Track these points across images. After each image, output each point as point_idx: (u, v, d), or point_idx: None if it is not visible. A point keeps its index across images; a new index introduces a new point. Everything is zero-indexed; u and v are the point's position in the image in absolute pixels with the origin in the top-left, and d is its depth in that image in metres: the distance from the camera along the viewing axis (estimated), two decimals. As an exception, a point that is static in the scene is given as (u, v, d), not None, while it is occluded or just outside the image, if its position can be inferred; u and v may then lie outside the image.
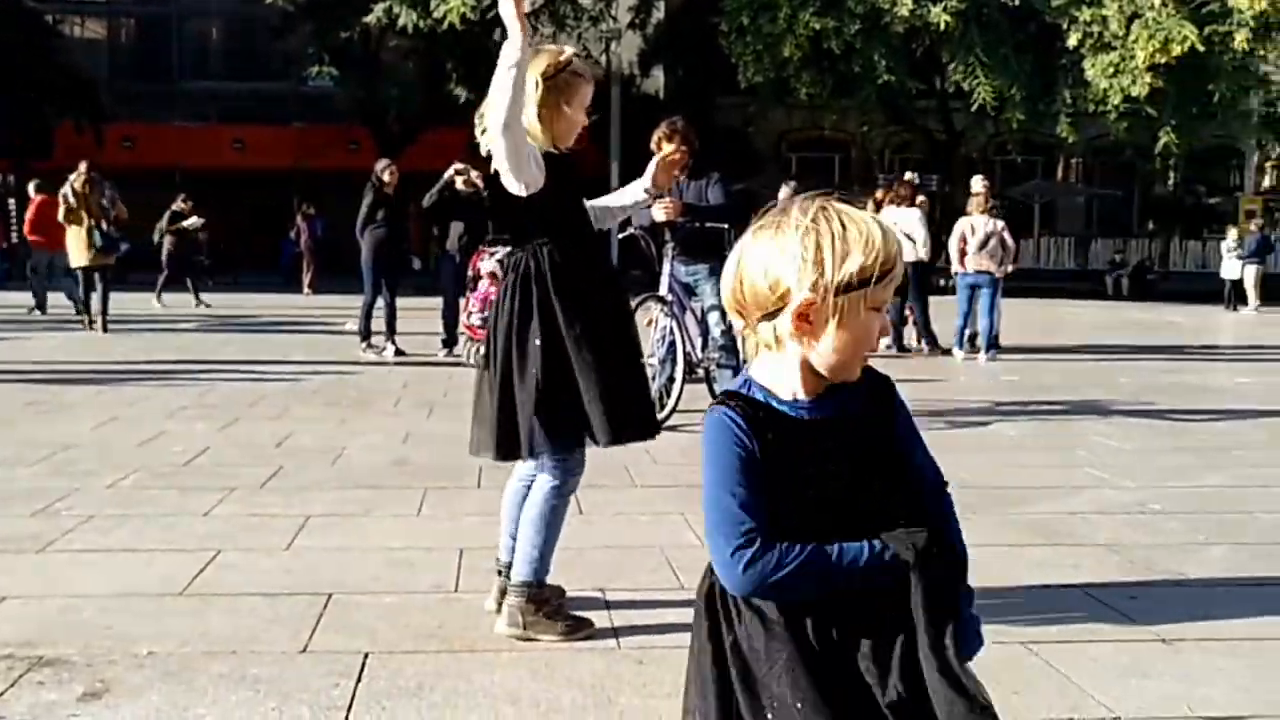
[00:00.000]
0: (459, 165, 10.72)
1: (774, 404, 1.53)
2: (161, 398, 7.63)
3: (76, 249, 13.03)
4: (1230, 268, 21.77)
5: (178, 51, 33.81)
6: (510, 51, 3.00)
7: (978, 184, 11.62)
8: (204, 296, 18.20)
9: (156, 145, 30.73)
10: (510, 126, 3.06)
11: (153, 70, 33.04)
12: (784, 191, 14.46)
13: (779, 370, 1.54)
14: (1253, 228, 22.57)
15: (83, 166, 13.25)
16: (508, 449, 3.19)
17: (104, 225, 13.02)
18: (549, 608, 3.19)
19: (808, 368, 1.52)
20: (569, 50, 3.31)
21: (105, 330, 12.56)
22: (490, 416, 3.22)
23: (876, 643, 1.50)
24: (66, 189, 13.04)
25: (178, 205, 19.18)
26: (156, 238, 19.04)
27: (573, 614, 3.23)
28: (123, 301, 14.64)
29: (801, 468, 1.51)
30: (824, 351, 1.50)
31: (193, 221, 18.89)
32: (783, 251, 1.47)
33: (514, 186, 3.17)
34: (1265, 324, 17.83)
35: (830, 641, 1.50)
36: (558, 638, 3.13)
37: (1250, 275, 21.13)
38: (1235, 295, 21.47)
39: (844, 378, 1.54)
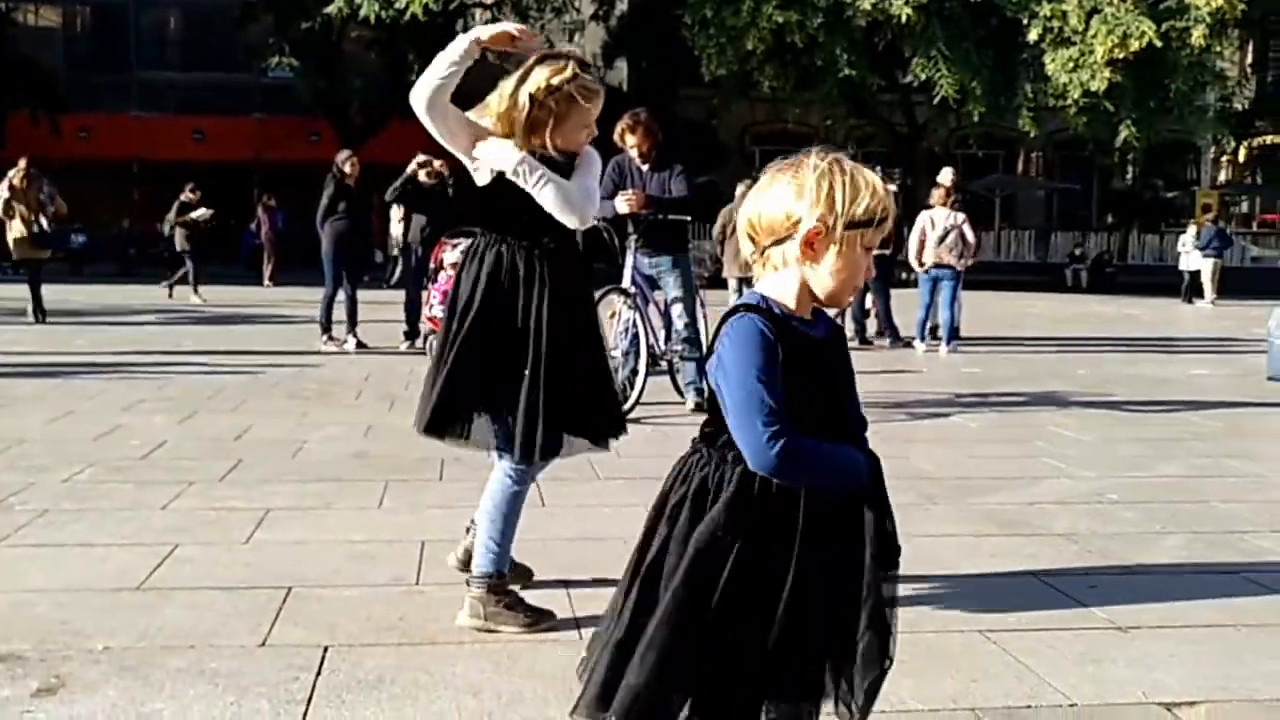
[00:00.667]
0: (422, 157, 10.67)
1: (788, 318, 1.78)
2: (118, 391, 7.54)
3: (13, 243, 12.93)
4: (1188, 261, 22.06)
5: (135, 41, 33.35)
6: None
7: (946, 176, 11.65)
8: (164, 288, 17.94)
9: (114, 136, 30.35)
10: (430, 110, 3.20)
11: (110, 60, 32.58)
12: (740, 189, 14.49)
13: (784, 289, 1.80)
14: (1208, 222, 22.86)
15: (22, 162, 13.12)
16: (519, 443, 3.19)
17: (42, 220, 12.89)
18: (509, 599, 3.18)
19: (806, 290, 1.79)
20: (571, 67, 3.21)
21: (42, 321, 12.44)
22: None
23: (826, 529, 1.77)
24: (3, 184, 12.90)
25: (186, 196, 18.75)
26: (166, 230, 18.58)
27: (533, 606, 3.21)
28: (92, 292, 14.44)
29: (800, 378, 1.75)
30: (823, 276, 1.78)
31: (201, 213, 18.53)
32: (800, 188, 1.76)
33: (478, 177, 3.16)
34: (1221, 316, 18.08)
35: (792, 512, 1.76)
36: (519, 629, 3.12)
37: (1207, 268, 21.42)
38: (1192, 288, 21.76)
39: (836, 304, 1.84)
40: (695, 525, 1.80)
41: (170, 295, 17.36)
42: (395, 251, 17.85)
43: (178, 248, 18.11)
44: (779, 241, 1.78)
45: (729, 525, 1.76)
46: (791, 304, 1.79)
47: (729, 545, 1.75)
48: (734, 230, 13.48)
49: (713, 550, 1.75)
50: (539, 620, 3.16)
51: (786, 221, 1.76)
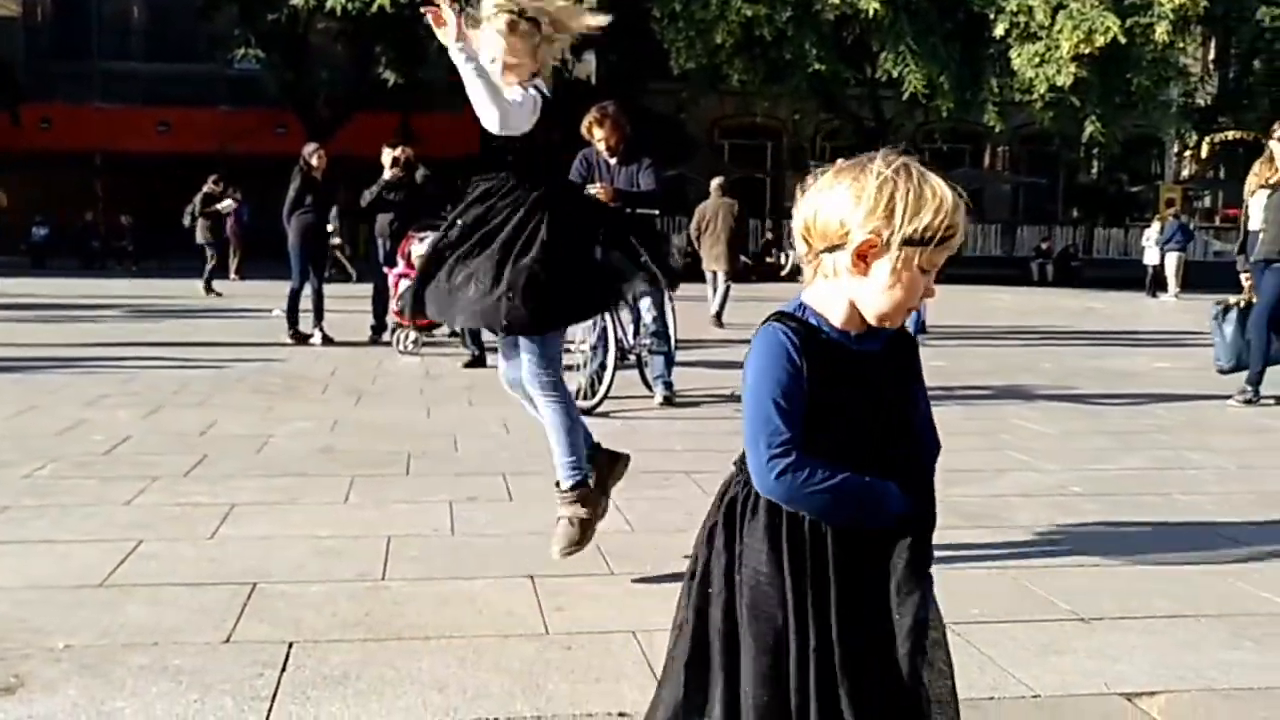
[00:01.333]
0: (389, 153, 10.65)
1: (824, 329, 1.68)
2: (82, 385, 7.46)
3: None
4: (1152, 255, 22.29)
5: (98, 31, 32.93)
6: (456, 59, 3.35)
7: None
8: (128, 283, 17.76)
9: (76, 127, 29.96)
10: (501, 117, 3.40)
11: (72, 50, 32.16)
12: (714, 184, 14.55)
13: (830, 300, 1.68)
14: (1170, 216, 23.09)
15: None
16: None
17: None
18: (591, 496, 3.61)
19: (854, 307, 1.67)
20: None
21: None
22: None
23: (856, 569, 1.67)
24: None
25: (209, 187, 18.51)
26: (188, 221, 18.24)
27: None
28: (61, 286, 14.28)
29: (838, 393, 1.66)
30: (872, 293, 1.64)
31: (226, 204, 18.27)
32: (859, 195, 1.61)
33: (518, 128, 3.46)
34: (1184, 310, 18.29)
35: (821, 544, 1.68)
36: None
37: (1170, 262, 21.64)
38: (1156, 282, 21.98)
39: (885, 324, 1.68)
40: (731, 551, 1.73)
41: (208, 293, 16.86)
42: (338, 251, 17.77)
43: (199, 240, 17.79)
44: (832, 249, 1.64)
45: (769, 562, 1.68)
46: (835, 318, 1.68)
47: (777, 586, 1.67)
48: (709, 226, 13.74)
49: (761, 598, 1.68)
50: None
51: (840, 229, 1.62)
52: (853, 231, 1.61)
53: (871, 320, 1.67)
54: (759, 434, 1.64)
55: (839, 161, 1.69)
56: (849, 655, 1.65)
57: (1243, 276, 7.73)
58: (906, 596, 1.65)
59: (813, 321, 1.68)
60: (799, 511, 1.66)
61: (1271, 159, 7.54)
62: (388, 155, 10.68)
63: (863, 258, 1.62)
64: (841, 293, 1.67)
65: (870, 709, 1.64)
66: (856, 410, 1.68)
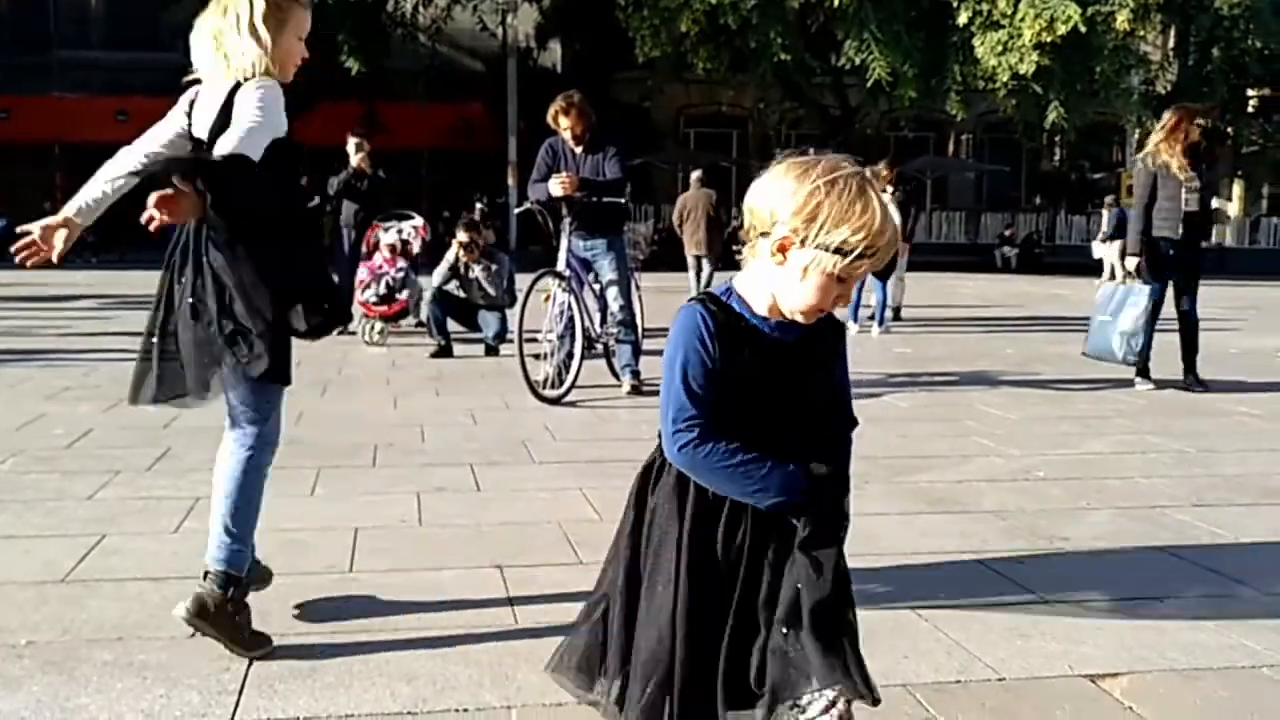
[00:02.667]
0: (354, 141, 10.58)
1: (746, 315, 1.78)
2: (42, 378, 7.37)
3: None
4: (1099, 249, 22.50)
5: (55, 20, 32.45)
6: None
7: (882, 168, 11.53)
8: (88, 274, 17.54)
9: (35, 117, 29.55)
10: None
11: (30, 39, 31.67)
12: (695, 174, 14.94)
13: (756, 287, 1.79)
14: (1108, 205, 23.21)
15: None
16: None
17: None
18: (239, 607, 2.82)
19: (774, 295, 1.78)
20: None
21: None
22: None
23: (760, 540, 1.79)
24: None
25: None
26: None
27: (255, 631, 2.84)
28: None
29: (753, 376, 1.76)
30: (787, 288, 1.75)
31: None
32: (792, 194, 1.70)
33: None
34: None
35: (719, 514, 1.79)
36: (235, 647, 2.77)
37: (1112, 252, 21.85)
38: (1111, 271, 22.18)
39: (798, 319, 1.78)
40: (641, 509, 1.87)
41: None
42: None
43: None
44: (764, 234, 1.75)
45: (669, 514, 1.80)
46: (758, 305, 1.79)
47: (675, 536, 1.79)
48: (690, 215, 14.06)
49: (666, 545, 1.81)
50: (258, 645, 2.80)
51: (770, 220, 1.73)
52: (778, 225, 1.71)
53: (786, 314, 1.78)
54: (668, 407, 1.77)
55: (799, 155, 1.77)
56: (737, 614, 1.77)
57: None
58: (803, 571, 1.76)
59: (735, 306, 1.79)
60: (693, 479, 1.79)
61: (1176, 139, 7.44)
62: (352, 144, 10.62)
63: (782, 250, 1.72)
64: (764, 279, 1.78)
65: (744, 674, 1.77)
66: (768, 392, 1.78)
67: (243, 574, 2.88)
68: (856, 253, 1.68)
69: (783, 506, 1.75)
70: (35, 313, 12.45)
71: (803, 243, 1.69)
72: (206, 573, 2.86)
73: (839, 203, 1.67)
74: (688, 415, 1.74)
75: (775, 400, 1.79)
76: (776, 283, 1.75)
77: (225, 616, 2.78)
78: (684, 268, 13.71)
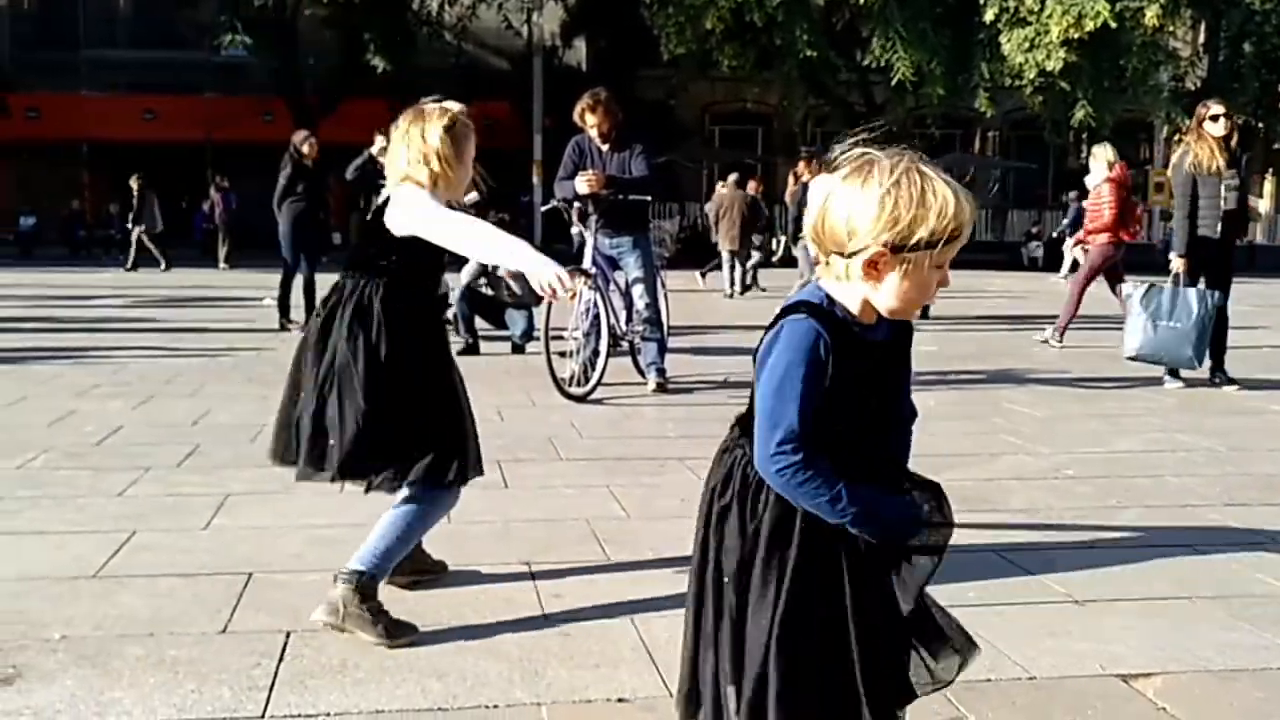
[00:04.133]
0: (382, 139, 10.59)
1: (848, 321, 1.73)
2: (72, 376, 7.43)
3: None
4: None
5: (84, 19, 32.71)
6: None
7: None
8: (116, 273, 17.70)
9: (63, 116, 29.80)
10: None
11: (58, 38, 31.95)
12: (731, 177, 15.55)
13: (845, 293, 1.73)
14: (1070, 199, 22.92)
15: None
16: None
17: None
18: (374, 604, 2.94)
19: (867, 303, 1.72)
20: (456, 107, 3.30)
21: None
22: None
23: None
24: None
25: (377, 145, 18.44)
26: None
27: (396, 619, 2.96)
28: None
29: (854, 383, 1.71)
30: (886, 297, 1.70)
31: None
32: (864, 205, 1.65)
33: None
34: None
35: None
36: (375, 639, 2.88)
37: (1075, 249, 21.67)
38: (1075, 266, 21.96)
39: (898, 317, 1.76)
40: (744, 536, 1.78)
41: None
42: None
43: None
44: (842, 254, 1.69)
45: (773, 545, 1.74)
46: (852, 307, 1.73)
47: (783, 565, 1.73)
48: (726, 213, 14.72)
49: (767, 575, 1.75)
50: (399, 634, 2.92)
51: (847, 239, 1.67)
52: (860, 241, 1.66)
53: (885, 314, 1.73)
54: (774, 424, 1.67)
55: (847, 158, 1.71)
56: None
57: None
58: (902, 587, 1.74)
59: (839, 314, 1.72)
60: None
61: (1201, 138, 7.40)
62: (380, 144, 10.64)
63: (874, 266, 1.67)
64: (854, 292, 1.72)
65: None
66: (866, 397, 1.74)
67: (377, 577, 3.01)
68: (944, 239, 1.64)
69: (873, 536, 1.72)
70: (64, 310, 12.55)
71: (894, 251, 1.64)
72: (339, 575, 2.97)
73: (911, 199, 1.63)
74: (794, 436, 1.66)
75: (877, 401, 1.77)
76: (871, 294, 1.70)
77: (363, 615, 2.90)
78: (676, 265, 14.33)
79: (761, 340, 1.75)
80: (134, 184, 20.44)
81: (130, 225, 20.60)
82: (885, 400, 1.79)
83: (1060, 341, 10.02)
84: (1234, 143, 7.32)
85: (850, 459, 1.71)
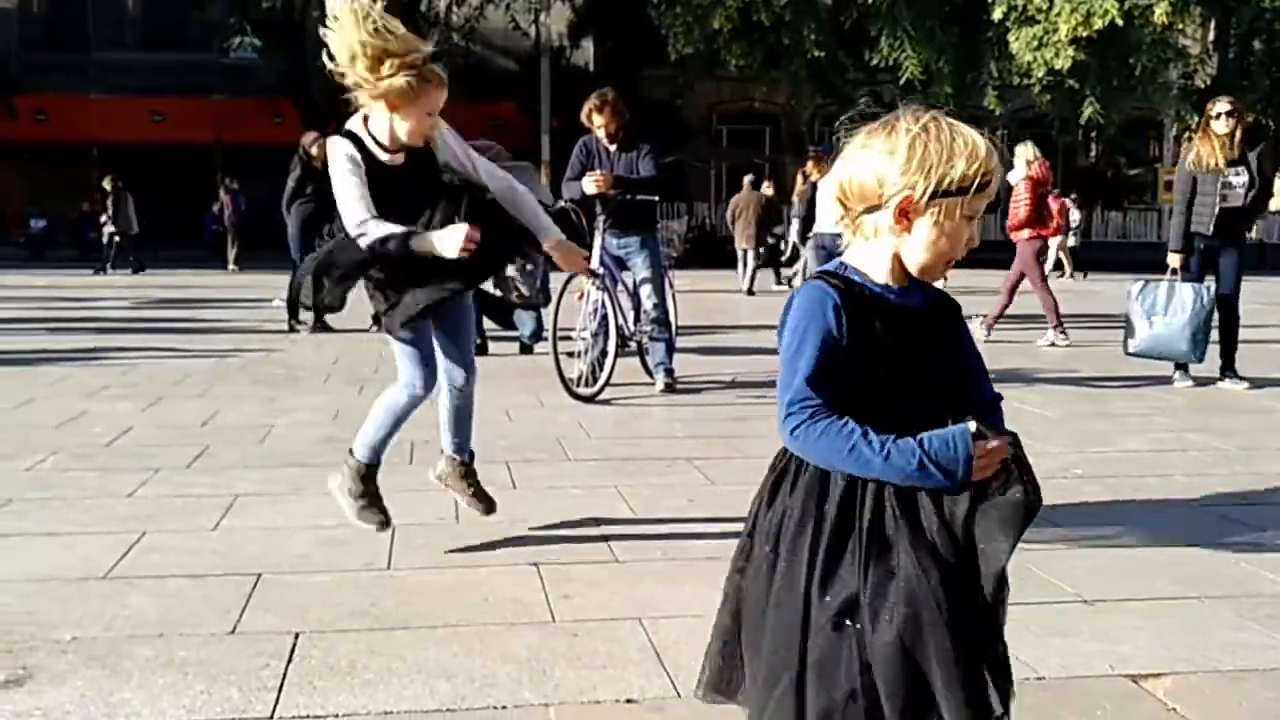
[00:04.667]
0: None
1: (867, 285, 1.69)
2: (81, 377, 7.45)
3: None
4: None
5: (92, 21, 32.81)
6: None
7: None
8: (125, 274, 17.74)
9: (72, 118, 29.89)
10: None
11: (67, 40, 32.05)
12: (747, 179, 15.98)
13: (873, 258, 1.71)
14: (1053, 197, 22.91)
15: None
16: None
17: None
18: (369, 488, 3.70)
19: (898, 260, 1.69)
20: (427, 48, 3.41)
21: None
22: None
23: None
24: None
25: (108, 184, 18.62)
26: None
27: (381, 507, 3.73)
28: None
29: (879, 345, 1.66)
30: (917, 247, 1.67)
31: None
32: (892, 153, 1.63)
33: None
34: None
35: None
36: (349, 506, 3.69)
37: (1056, 247, 21.68)
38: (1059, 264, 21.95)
39: (929, 278, 1.71)
40: (775, 500, 1.74)
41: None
42: None
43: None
44: (871, 209, 1.67)
45: (804, 510, 1.69)
46: (878, 275, 1.70)
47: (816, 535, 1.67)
48: (742, 213, 15.28)
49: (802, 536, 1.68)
50: (372, 515, 3.69)
51: (878, 188, 1.65)
52: (890, 189, 1.63)
53: (914, 272, 1.70)
54: (785, 390, 1.66)
55: (872, 124, 1.69)
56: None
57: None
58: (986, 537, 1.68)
59: (856, 279, 1.70)
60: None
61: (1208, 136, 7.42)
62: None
63: (905, 214, 1.64)
64: (885, 250, 1.69)
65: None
66: (893, 362, 1.68)
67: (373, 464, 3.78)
68: (976, 184, 1.62)
69: (910, 477, 1.61)
70: (73, 312, 12.59)
71: (925, 195, 1.61)
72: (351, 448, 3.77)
73: (940, 142, 1.61)
74: (804, 398, 1.63)
75: (910, 371, 1.69)
76: (904, 247, 1.67)
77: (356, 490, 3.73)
78: (718, 265, 14.51)
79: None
80: (108, 185, 20.49)
81: (103, 226, 20.64)
82: (915, 371, 1.69)
83: (1065, 338, 10.21)
84: (1238, 140, 7.31)
85: (877, 423, 1.63)
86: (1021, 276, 10.57)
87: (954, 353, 1.77)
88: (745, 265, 16.75)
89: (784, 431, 1.66)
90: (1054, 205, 10.52)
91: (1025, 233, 10.38)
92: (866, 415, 1.63)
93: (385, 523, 3.70)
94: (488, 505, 3.91)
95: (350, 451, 3.76)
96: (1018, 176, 10.43)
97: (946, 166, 1.61)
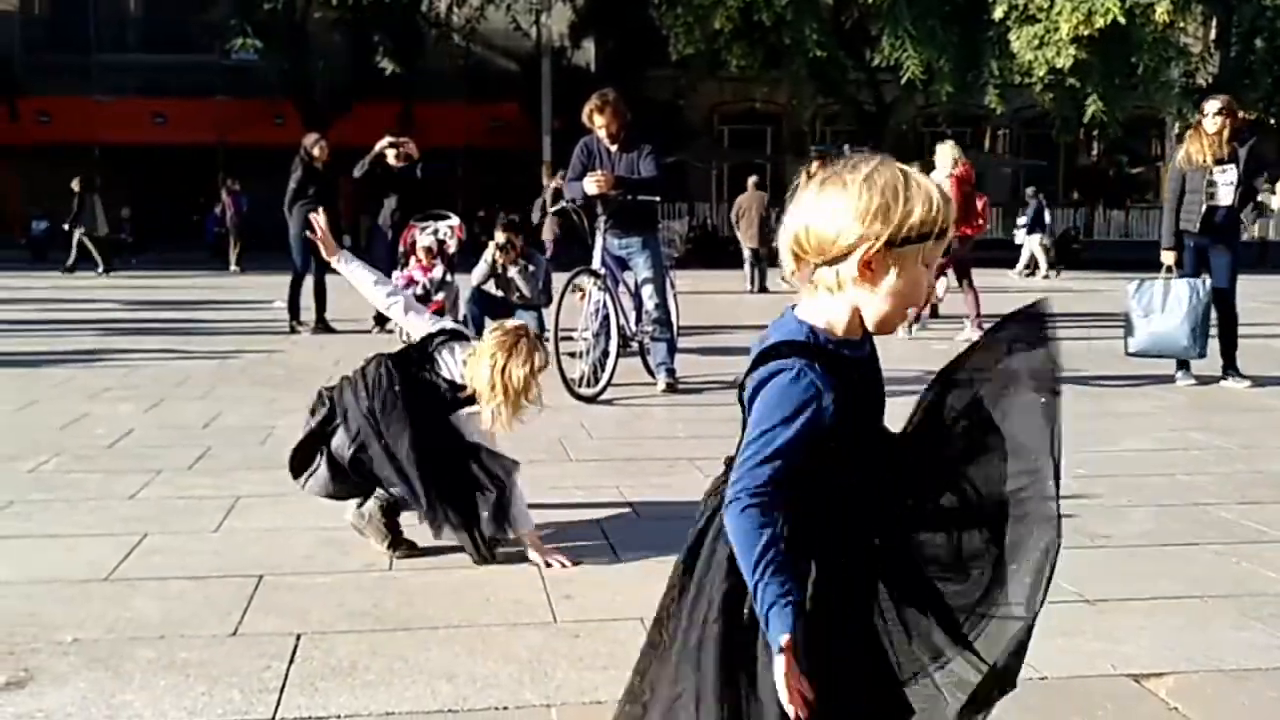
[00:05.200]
0: (391, 138, 10.61)
1: (833, 347, 1.63)
2: (84, 379, 7.46)
3: None
4: (1020, 238, 22.29)
5: (94, 23, 32.82)
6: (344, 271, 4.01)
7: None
8: (127, 276, 17.73)
9: (74, 119, 29.89)
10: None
11: (69, 42, 32.07)
12: (751, 180, 16.21)
13: (832, 311, 1.64)
14: (1027, 197, 22.92)
15: None
16: None
17: None
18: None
19: (857, 313, 1.63)
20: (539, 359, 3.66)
21: None
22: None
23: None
24: None
25: (557, 182, 17.89)
26: (537, 216, 15.00)
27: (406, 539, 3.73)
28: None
29: (854, 410, 1.62)
30: (879, 300, 1.61)
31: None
32: (850, 202, 1.57)
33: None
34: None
35: None
36: (379, 544, 3.68)
37: (1033, 244, 21.69)
38: (1033, 262, 21.95)
39: (886, 330, 1.65)
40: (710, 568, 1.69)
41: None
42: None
43: (548, 238, 14.58)
44: (831, 262, 1.60)
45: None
46: (840, 330, 1.63)
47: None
48: (745, 214, 15.78)
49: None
50: (399, 546, 3.68)
51: (835, 240, 1.58)
52: (850, 241, 1.58)
53: (872, 327, 1.65)
54: (748, 467, 1.58)
55: (823, 167, 1.64)
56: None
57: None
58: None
59: (829, 346, 1.63)
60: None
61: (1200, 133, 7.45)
62: (384, 144, 10.64)
63: (868, 265, 1.58)
64: (845, 305, 1.63)
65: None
66: (855, 414, 1.63)
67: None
68: (935, 231, 1.58)
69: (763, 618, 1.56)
70: (75, 314, 12.60)
71: (887, 245, 1.56)
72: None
73: (892, 190, 1.57)
74: (767, 490, 1.56)
75: (873, 417, 1.69)
76: (863, 300, 1.61)
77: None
78: (720, 265, 14.50)
79: (746, 377, 1.65)
80: (75, 186, 20.47)
81: (68, 227, 20.59)
82: (871, 416, 1.69)
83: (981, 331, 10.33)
84: (1225, 137, 7.33)
85: (857, 468, 1.63)
86: (965, 269, 10.85)
87: (882, 387, 1.74)
88: (753, 266, 17.06)
89: (734, 506, 1.58)
90: (980, 204, 10.67)
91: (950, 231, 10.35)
92: (847, 474, 1.62)
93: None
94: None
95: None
96: (942, 176, 10.50)
97: (905, 215, 1.56)
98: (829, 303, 1.64)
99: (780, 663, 1.52)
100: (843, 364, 1.62)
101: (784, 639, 1.52)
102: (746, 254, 17.23)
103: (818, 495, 1.61)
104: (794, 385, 1.58)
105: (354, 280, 3.99)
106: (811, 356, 1.60)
